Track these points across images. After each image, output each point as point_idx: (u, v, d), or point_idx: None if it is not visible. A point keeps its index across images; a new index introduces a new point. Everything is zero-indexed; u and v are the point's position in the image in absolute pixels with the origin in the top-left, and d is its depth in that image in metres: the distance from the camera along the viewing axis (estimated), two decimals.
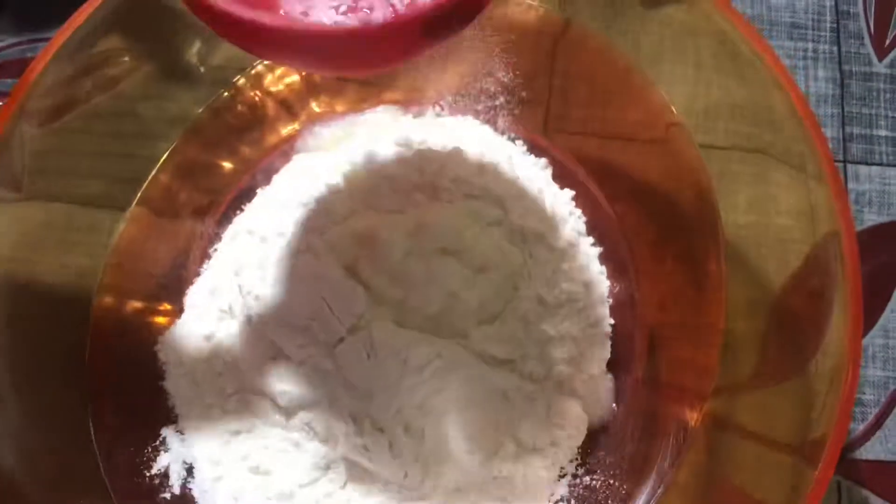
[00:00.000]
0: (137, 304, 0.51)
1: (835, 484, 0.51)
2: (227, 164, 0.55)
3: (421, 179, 0.49)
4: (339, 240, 0.47)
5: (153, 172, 0.54)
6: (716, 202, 0.51)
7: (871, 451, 0.52)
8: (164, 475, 0.46)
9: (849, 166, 0.58)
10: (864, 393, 0.53)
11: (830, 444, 0.39)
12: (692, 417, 0.48)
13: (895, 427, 0.52)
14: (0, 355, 0.45)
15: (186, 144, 0.55)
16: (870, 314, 0.54)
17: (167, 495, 0.46)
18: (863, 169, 0.58)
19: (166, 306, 0.51)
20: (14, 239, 0.48)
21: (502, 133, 0.54)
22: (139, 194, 0.53)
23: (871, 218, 0.57)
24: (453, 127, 0.53)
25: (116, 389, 0.48)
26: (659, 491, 0.47)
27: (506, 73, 0.54)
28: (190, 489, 0.46)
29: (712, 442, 0.48)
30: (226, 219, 0.53)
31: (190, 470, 0.47)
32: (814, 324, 0.44)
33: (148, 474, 0.46)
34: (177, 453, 0.47)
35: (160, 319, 0.51)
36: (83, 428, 0.46)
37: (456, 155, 0.49)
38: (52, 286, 0.50)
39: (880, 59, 0.60)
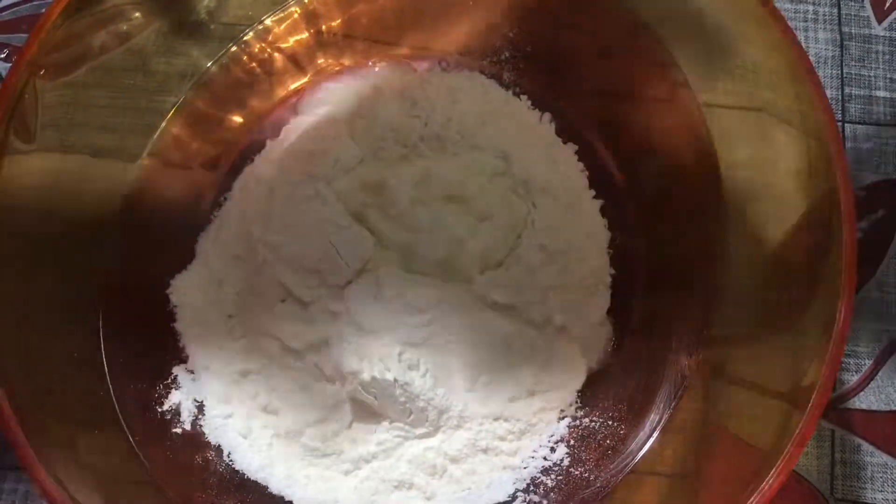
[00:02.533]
0: (150, 252, 0.52)
1: (828, 432, 0.53)
2: (237, 118, 0.56)
3: (427, 131, 0.50)
4: (347, 188, 0.48)
5: (163, 124, 0.55)
6: (716, 160, 0.52)
7: (864, 400, 0.53)
8: (176, 412, 0.48)
9: (847, 126, 0.59)
10: (859, 345, 0.54)
11: (818, 391, 0.41)
12: (688, 365, 0.49)
13: (888, 378, 0.54)
14: (19, 298, 0.46)
15: (196, 98, 0.55)
16: (866, 268, 0.56)
17: (178, 430, 0.48)
18: (860, 128, 0.59)
19: (178, 255, 0.52)
20: (30, 188, 0.49)
21: (507, 87, 0.55)
22: (150, 146, 0.54)
23: (868, 176, 0.58)
24: (459, 81, 0.53)
25: (129, 330, 0.49)
26: (656, 433, 0.48)
27: (511, 29, 0.55)
28: (201, 426, 0.48)
29: (708, 388, 0.49)
30: (236, 169, 0.54)
31: (201, 407, 0.48)
32: (809, 278, 0.45)
33: (160, 410, 0.48)
34: (188, 391, 0.48)
35: (172, 267, 0.52)
36: (97, 366, 0.48)
37: (462, 108, 0.50)
38: (67, 234, 0.51)
39: (879, 22, 0.61)
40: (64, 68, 0.50)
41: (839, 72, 0.60)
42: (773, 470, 0.40)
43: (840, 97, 0.60)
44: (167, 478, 0.46)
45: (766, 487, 0.40)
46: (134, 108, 0.55)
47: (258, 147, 0.54)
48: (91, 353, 0.48)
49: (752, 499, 0.40)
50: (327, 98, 0.55)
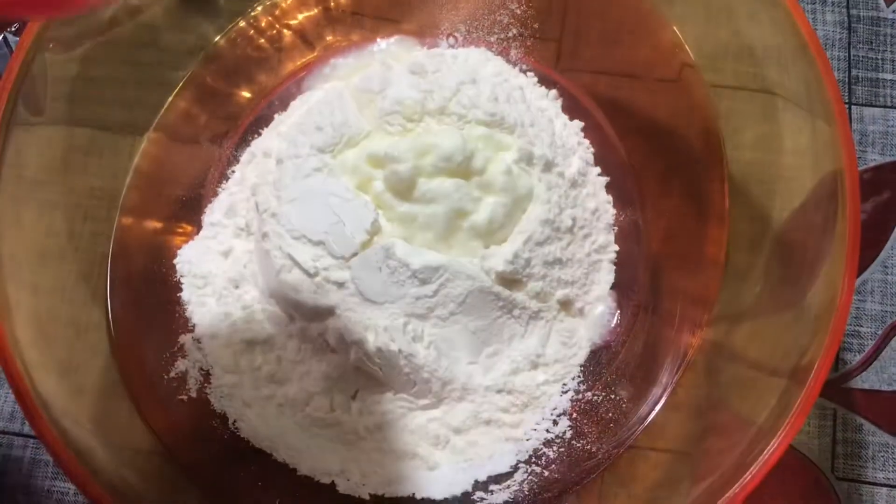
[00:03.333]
0: (158, 224, 0.53)
1: (830, 411, 0.53)
2: (245, 92, 0.56)
3: (434, 105, 0.50)
4: (353, 160, 0.48)
5: (171, 99, 0.55)
6: (722, 140, 0.52)
7: (866, 380, 0.54)
8: (182, 380, 0.48)
9: (853, 108, 0.59)
10: (862, 325, 0.55)
11: (819, 364, 0.41)
12: (691, 342, 0.50)
13: (890, 358, 0.54)
14: (31, 267, 0.47)
15: (204, 72, 0.56)
16: (870, 250, 0.56)
17: (184, 398, 0.48)
18: (867, 111, 0.59)
19: (185, 226, 0.53)
20: (40, 161, 0.49)
21: (514, 64, 0.55)
22: (158, 119, 0.55)
23: (873, 158, 0.58)
24: (466, 57, 0.54)
25: (137, 299, 0.50)
26: (657, 409, 0.48)
27: (519, 6, 0.55)
28: (207, 394, 0.48)
29: (710, 365, 0.49)
30: (243, 142, 0.54)
31: (207, 376, 0.49)
32: (812, 258, 0.45)
33: (166, 377, 0.48)
34: (194, 360, 0.49)
35: (179, 238, 0.52)
36: (106, 334, 0.48)
37: (468, 83, 0.50)
38: (76, 206, 0.51)
39: (888, 4, 0.61)
40: (73, 42, 0.51)
41: (846, 54, 0.60)
42: (771, 444, 0.40)
43: (847, 79, 0.60)
44: (173, 444, 0.46)
45: (763, 461, 0.40)
46: (142, 81, 0.55)
47: (266, 121, 0.55)
48: (99, 321, 0.48)
49: (748, 472, 0.40)
50: (335, 73, 0.55)
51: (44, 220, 0.50)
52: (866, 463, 0.52)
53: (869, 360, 0.54)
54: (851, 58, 0.60)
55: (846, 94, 0.59)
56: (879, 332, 0.54)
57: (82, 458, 0.40)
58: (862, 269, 0.56)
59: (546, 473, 0.47)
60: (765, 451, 0.40)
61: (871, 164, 0.58)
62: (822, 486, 0.51)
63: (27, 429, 0.53)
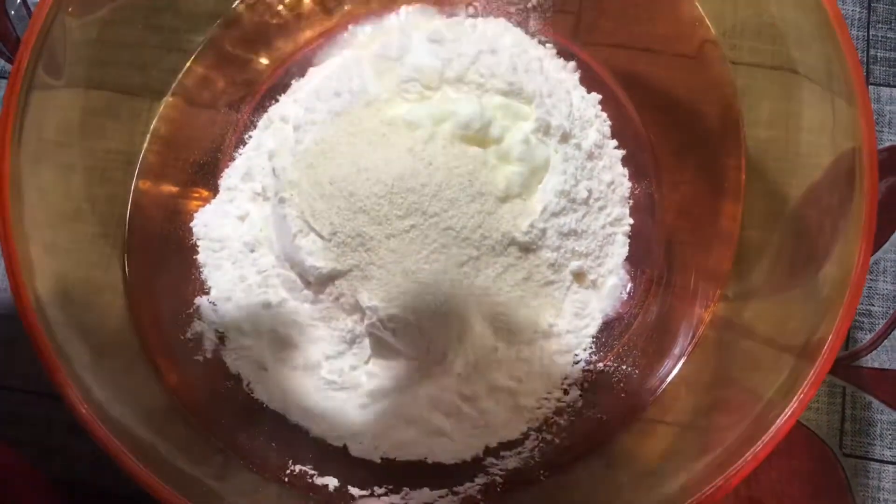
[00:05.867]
0: (174, 188, 0.53)
1: (839, 388, 0.53)
2: (263, 59, 0.56)
3: (452, 74, 0.50)
4: (370, 125, 0.48)
5: (189, 64, 0.55)
6: (740, 116, 0.52)
7: (876, 359, 0.54)
8: (198, 341, 0.49)
9: (871, 88, 0.59)
10: (873, 305, 0.55)
11: (829, 346, 0.41)
12: (703, 317, 0.50)
13: None
14: (49, 229, 0.47)
15: (222, 37, 0.56)
16: (884, 230, 0.56)
17: (199, 358, 0.48)
18: (885, 91, 0.59)
19: (202, 191, 0.53)
20: (58, 123, 0.49)
21: (533, 35, 0.55)
22: (176, 84, 0.55)
23: (890, 138, 0.58)
24: (485, 27, 0.53)
25: (153, 261, 0.50)
26: (668, 380, 0.49)
27: None
28: (222, 355, 0.49)
29: (720, 340, 0.49)
30: (260, 108, 0.54)
31: (222, 338, 0.49)
32: (827, 236, 0.45)
33: (182, 338, 0.49)
34: (209, 321, 0.49)
35: (196, 202, 0.53)
36: (123, 295, 0.48)
37: (487, 52, 0.50)
38: (94, 169, 0.52)
39: None
40: (92, 5, 0.51)
41: (865, 33, 0.60)
42: (779, 419, 0.40)
43: (865, 59, 0.59)
44: (189, 404, 0.47)
45: (770, 436, 0.40)
46: (161, 46, 0.55)
47: (283, 88, 0.55)
48: (116, 282, 0.49)
49: (755, 446, 0.40)
50: (353, 41, 0.55)
51: (62, 181, 0.50)
52: (874, 440, 0.52)
53: (880, 339, 0.54)
54: (871, 37, 0.60)
55: (865, 73, 0.59)
56: (891, 312, 0.55)
57: (100, 414, 0.41)
58: (875, 248, 0.56)
59: (556, 441, 0.47)
60: (772, 426, 0.40)
61: (888, 144, 0.58)
62: (830, 462, 0.52)
63: (44, 387, 0.54)
